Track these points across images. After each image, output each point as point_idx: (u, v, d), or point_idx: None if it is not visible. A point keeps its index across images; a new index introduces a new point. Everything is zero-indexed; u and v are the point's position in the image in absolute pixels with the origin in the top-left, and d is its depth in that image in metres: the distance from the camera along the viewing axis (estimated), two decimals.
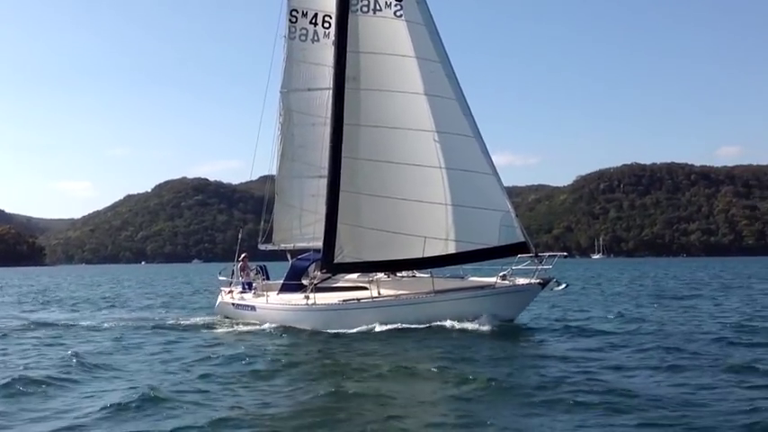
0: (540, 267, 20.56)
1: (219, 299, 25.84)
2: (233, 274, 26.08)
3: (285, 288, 22.88)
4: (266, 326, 21.52)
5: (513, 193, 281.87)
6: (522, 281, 20.55)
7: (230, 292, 25.31)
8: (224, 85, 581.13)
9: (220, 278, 27.23)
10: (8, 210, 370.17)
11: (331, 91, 21.92)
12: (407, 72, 20.75)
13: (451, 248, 20.68)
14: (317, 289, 21.34)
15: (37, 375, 13.29)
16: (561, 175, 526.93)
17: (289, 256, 24.80)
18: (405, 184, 20.74)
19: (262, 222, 25.46)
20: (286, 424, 9.72)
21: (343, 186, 21.10)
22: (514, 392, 11.34)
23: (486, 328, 19.25)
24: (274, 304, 22.21)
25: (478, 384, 11.86)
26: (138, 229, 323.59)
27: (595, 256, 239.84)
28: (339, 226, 21.17)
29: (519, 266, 20.93)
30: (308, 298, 21.13)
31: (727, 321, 22.14)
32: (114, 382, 13.06)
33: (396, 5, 20.90)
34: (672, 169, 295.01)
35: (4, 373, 13.48)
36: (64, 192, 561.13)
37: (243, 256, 25.77)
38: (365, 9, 20.98)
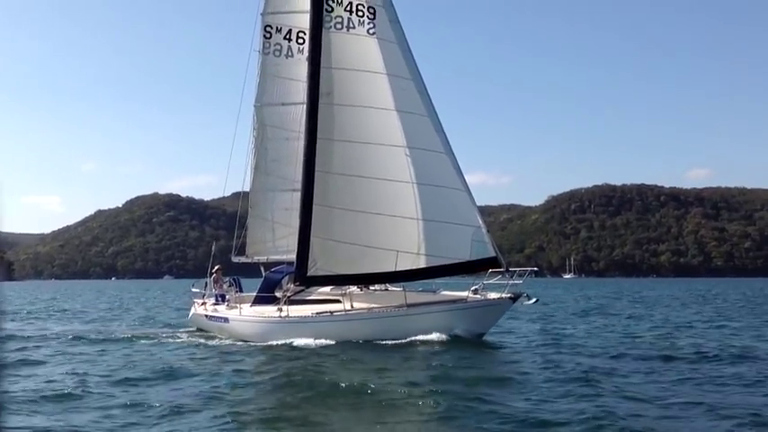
0: (510, 282, 20.87)
1: (193, 310, 25.90)
2: (206, 286, 26.16)
3: (258, 300, 22.99)
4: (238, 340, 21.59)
5: (485, 212, 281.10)
6: (493, 295, 20.83)
7: (203, 303, 25.36)
8: (195, 100, 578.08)
9: (193, 290, 27.29)
10: None
11: (305, 106, 22.19)
12: (380, 88, 21.06)
13: (423, 263, 20.91)
14: (291, 301, 21.46)
15: None
16: (533, 195, 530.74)
17: (262, 269, 24.94)
18: (377, 198, 20.98)
19: (235, 236, 25.56)
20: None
21: (317, 200, 21.30)
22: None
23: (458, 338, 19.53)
24: (247, 316, 22.28)
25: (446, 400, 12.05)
26: (109, 244, 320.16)
27: (567, 276, 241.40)
28: (312, 239, 21.34)
29: (490, 281, 21.24)
30: (281, 310, 21.25)
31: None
32: None
33: (369, 23, 21.24)
34: (642, 190, 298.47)
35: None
36: (33, 206, 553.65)
37: (216, 268, 25.90)
38: (339, 26, 21.29)
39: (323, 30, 21.40)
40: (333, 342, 19.82)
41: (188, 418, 10.48)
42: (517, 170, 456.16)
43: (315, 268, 21.41)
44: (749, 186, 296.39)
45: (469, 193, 21.45)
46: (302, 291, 22.03)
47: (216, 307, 24.63)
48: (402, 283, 21.38)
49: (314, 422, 10.28)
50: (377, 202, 20.99)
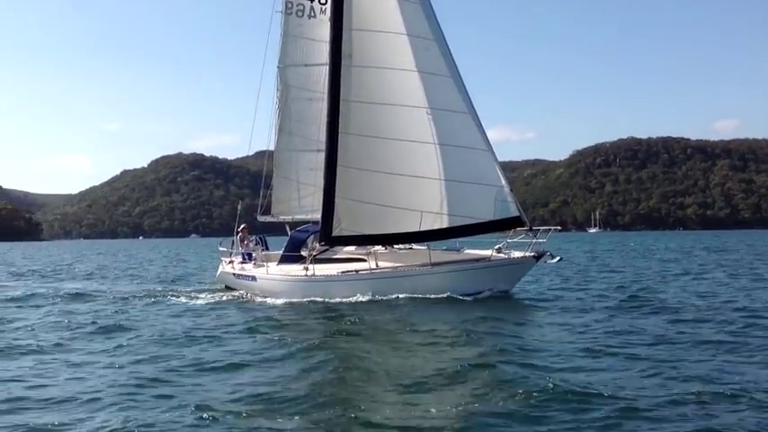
0: (534, 241, 21.06)
1: (220, 269, 26.36)
2: (233, 244, 26.59)
3: (285, 259, 23.37)
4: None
5: (509, 167, 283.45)
6: (516, 254, 21.05)
7: (231, 262, 25.80)
8: (218, 59, 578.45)
9: (221, 249, 27.74)
10: (5, 185, 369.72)
11: (327, 67, 22.29)
12: (402, 49, 21.09)
13: (447, 223, 21.16)
14: (316, 260, 21.82)
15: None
16: (557, 150, 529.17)
17: (287, 228, 25.24)
18: (400, 159, 21.15)
19: (261, 195, 25.83)
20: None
21: (341, 161, 21.52)
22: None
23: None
24: (274, 275, 22.68)
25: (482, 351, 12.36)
26: (135, 204, 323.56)
27: (592, 230, 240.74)
28: (337, 200, 21.62)
29: (514, 240, 21.46)
30: (307, 269, 21.63)
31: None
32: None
33: None
34: (668, 143, 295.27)
35: None
36: (61, 167, 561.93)
37: (242, 227, 26.33)
38: None
39: None
40: (358, 300, 20.18)
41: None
42: (542, 125, 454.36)
43: (339, 228, 21.73)
44: None
45: (492, 153, 21.55)
46: (327, 250, 22.38)
47: (243, 265, 25.04)
48: (426, 243, 21.64)
49: (346, 379, 10.58)
50: (400, 163, 21.16)
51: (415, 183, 21.11)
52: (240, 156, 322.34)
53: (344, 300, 20.28)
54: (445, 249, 22.43)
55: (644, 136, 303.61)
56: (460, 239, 22.53)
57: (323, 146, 22.30)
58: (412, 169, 21.13)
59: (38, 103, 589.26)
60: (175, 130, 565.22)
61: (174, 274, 37.15)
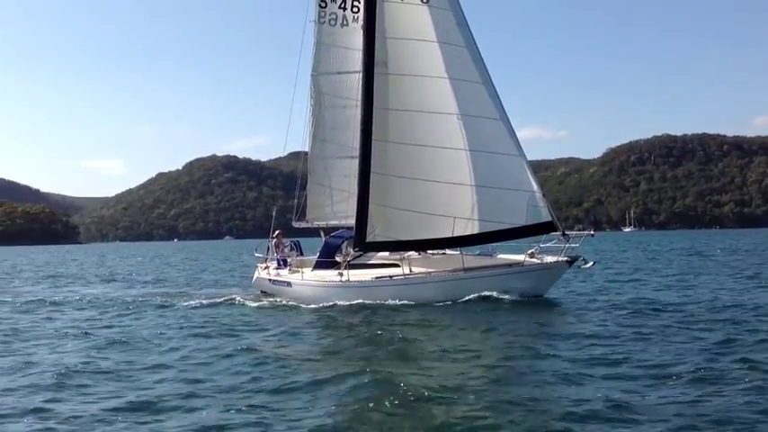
0: (567, 245, 21.15)
1: (256, 274, 26.72)
2: (268, 250, 26.94)
3: (319, 265, 23.66)
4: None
5: (542, 166, 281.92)
6: (549, 259, 21.16)
7: (266, 267, 26.15)
8: (251, 62, 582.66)
9: (256, 254, 28.12)
10: (43, 189, 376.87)
11: (360, 75, 22.58)
12: (434, 57, 21.31)
13: (480, 228, 21.32)
14: (350, 266, 22.11)
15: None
16: (591, 148, 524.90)
17: (322, 234, 25.52)
18: (433, 166, 21.37)
19: (295, 200, 26.14)
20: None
21: (374, 168, 21.79)
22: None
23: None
24: (309, 280, 23.01)
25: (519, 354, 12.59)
26: (170, 206, 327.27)
27: (627, 230, 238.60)
28: (370, 206, 21.89)
29: (547, 244, 21.57)
30: (341, 275, 21.92)
31: None
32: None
33: None
34: (704, 140, 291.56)
35: None
36: (97, 170, 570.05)
37: (277, 232, 26.64)
38: None
39: (377, 1, 21.66)
40: (392, 305, 20.41)
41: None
42: (574, 123, 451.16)
43: (373, 234, 21.99)
44: None
45: (525, 158, 21.70)
46: (361, 255, 22.66)
47: (279, 271, 25.37)
48: (459, 248, 21.83)
49: (382, 379, 10.85)
50: (433, 170, 21.38)
51: (448, 189, 21.31)
52: (273, 157, 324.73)
53: (379, 304, 20.52)
54: (478, 254, 22.58)
55: (679, 133, 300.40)
56: (493, 245, 22.65)
57: (356, 153, 22.59)
58: (445, 176, 21.33)
59: (74, 109, 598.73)
60: (209, 133, 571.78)
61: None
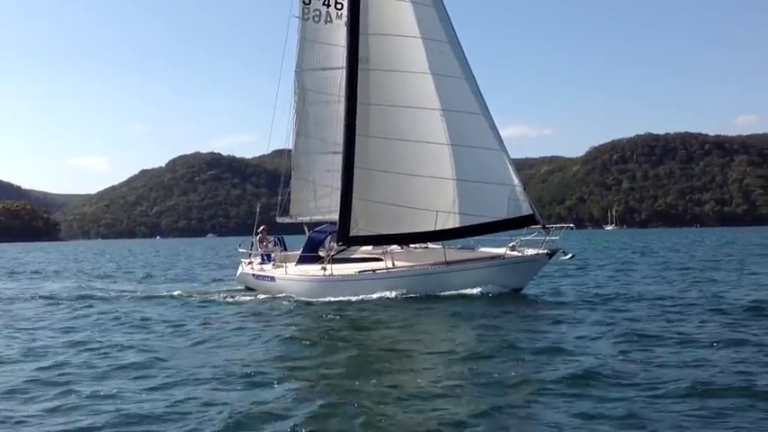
0: (547, 238, 21.47)
1: (240, 269, 26.91)
2: (252, 245, 27.14)
3: (303, 259, 23.87)
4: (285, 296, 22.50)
5: (526, 164, 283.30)
6: (530, 251, 21.47)
7: (250, 263, 26.34)
8: (234, 60, 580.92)
9: (240, 250, 28.32)
10: (24, 186, 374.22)
11: (344, 70, 22.80)
12: (416, 52, 21.55)
13: (462, 222, 21.58)
14: (334, 260, 22.33)
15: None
16: (574, 147, 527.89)
17: (305, 229, 25.73)
18: (415, 160, 21.62)
19: (279, 196, 26.36)
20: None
21: (358, 163, 22.00)
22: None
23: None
24: (293, 275, 23.21)
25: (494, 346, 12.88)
26: (153, 204, 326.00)
27: (608, 228, 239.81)
28: (354, 201, 22.11)
29: (527, 237, 21.89)
30: (325, 269, 22.15)
31: None
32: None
33: None
34: (686, 139, 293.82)
35: None
36: (80, 167, 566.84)
37: (262, 228, 26.86)
38: None
39: None
40: (375, 298, 20.66)
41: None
42: (559, 121, 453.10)
43: (357, 229, 22.22)
44: None
45: (506, 153, 21.97)
46: (345, 250, 22.89)
47: (262, 266, 25.57)
48: (441, 242, 22.10)
49: (355, 373, 11.06)
50: (415, 164, 21.63)
51: (430, 183, 21.57)
52: (257, 155, 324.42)
53: (362, 298, 20.74)
54: (460, 248, 22.86)
55: (661, 132, 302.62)
56: (475, 238, 22.95)
57: (340, 148, 22.78)
58: (427, 170, 21.58)
59: (57, 105, 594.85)
60: (193, 130, 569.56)
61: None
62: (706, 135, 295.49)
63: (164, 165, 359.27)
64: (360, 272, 21.83)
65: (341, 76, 23.26)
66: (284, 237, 27.59)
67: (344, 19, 23.57)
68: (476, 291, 20.68)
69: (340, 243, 22.76)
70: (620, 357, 11.66)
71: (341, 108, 22.86)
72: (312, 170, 25.35)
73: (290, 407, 9.04)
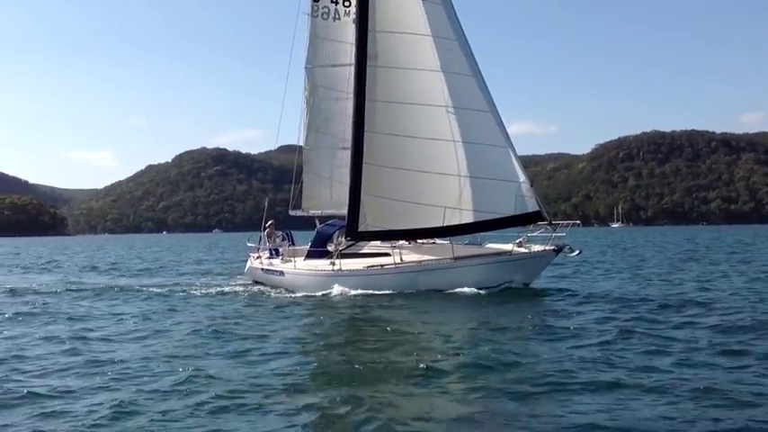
0: (554, 235, 21.66)
1: (249, 264, 27.18)
2: (260, 240, 27.40)
3: (311, 254, 24.10)
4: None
5: (532, 161, 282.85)
6: (537, 248, 21.67)
7: (259, 257, 26.60)
8: (240, 55, 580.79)
9: (249, 244, 28.59)
10: (32, 180, 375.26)
11: (353, 67, 23.03)
12: (424, 50, 21.74)
13: (469, 218, 21.75)
14: (342, 255, 22.56)
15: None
16: (580, 144, 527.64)
17: (317, 222, 25.92)
18: (424, 157, 21.81)
19: (291, 190, 26.57)
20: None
21: (366, 159, 22.22)
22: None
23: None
24: (302, 270, 23.44)
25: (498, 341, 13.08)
26: (159, 199, 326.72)
27: (614, 225, 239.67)
28: (363, 197, 22.31)
29: (534, 234, 22.08)
30: (333, 264, 22.38)
31: None
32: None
33: None
34: (692, 137, 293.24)
35: None
36: (86, 162, 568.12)
37: (270, 222, 27.16)
38: None
39: None
40: (384, 293, 20.86)
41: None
42: (565, 118, 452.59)
43: (365, 224, 22.41)
44: None
45: (513, 150, 22.15)
46: (353, 245, 23.12)
47: (271, 261, 25.79)
48: (449, 237, 22.31)
49: (363, 367, 11.30)
50: (424, 161, 21.84)
51: (438, 179, 21.77)
52: (263, 150, 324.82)
53: (371, 293, 20.94)
54: (467, 243, 23.05)
55: (668, 129, 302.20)
56: (482, 234, 23.14)
57: (349, 144, 22.98)
58: (435, 166, 21.79)
59: (63, 100, 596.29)
60: (199, 125, 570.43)
61: None
62: (713, 133, 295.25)
63: (170, 160, 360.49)
64: (368, 267, 22.06)
65: (350, 73, 23.47)
66: (292, 232, 27.86)
67: (353, 16, 23.84)
68: (483, 286, 20.88)
69: (348, 238, 22.98)
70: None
71: (350, 104, 23.07)
72: (323, 165, 25.62)
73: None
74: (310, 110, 25.47)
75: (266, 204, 29.13)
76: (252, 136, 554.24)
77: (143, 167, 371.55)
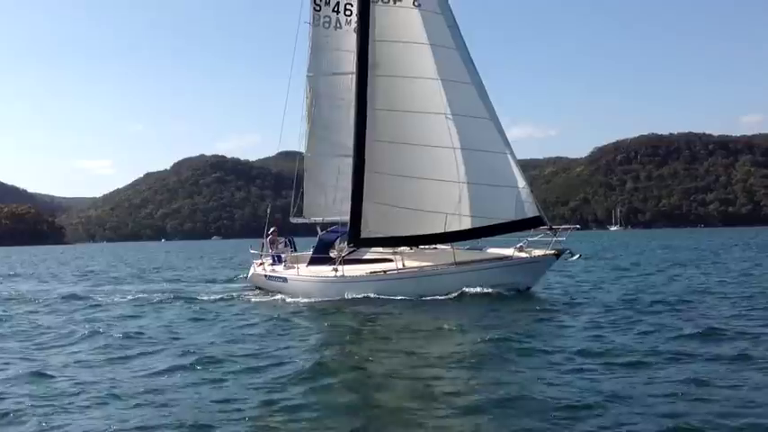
0: (554, 239, 21.92)
1: (252, 270, 27.40)
2: (263, 247, 27.63)
3: (314, 260, 24.30)
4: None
5: (531, 165, 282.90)
6: (537, 252, 21.92)
7: (261, 264, 26.81)
8: (239, 63, 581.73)
9: (252, 251, 28.82)
10: (30, 189, 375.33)
11: (353, 76, 23.31)
12: (425, 59, 22.05)
13: (471, 224, 22.04)
14: (344, 261, 22.79)
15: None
16: (579, 148, 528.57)
17: (318, 229, 26.12)
18: (425, 164, 22.10)
19: (293, 197, 26.77)
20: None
21: (368, 167, 22.49)
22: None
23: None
24: (305, 276, 23.67)
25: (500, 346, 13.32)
26: (158, 206, 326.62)
27: (613, 228, 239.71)
28: (364, 203, 22.58)
29: (534, 238, 22.34)
30: (336, 270, 22.61)
31: None
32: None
33: None
34: (689, 139, 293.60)
35: None
36: (85, 170, 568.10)
37: (272, 229, 27.42)
38: (386, 0, 22.26)
39: (370, 4, 22.40)
40: (386, 299, 21.04)
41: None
42: (563, 123, 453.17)
43: (367, 231, 22.68)
44: None
45: (513, 155, 22.43)
46: (355, 251, 23.36)
47: (274, 267, 26.01)
48: (450, 243, 22.55)
49: (368, 370, 11.55)
50: (425, 168, 22.12)
51: (439, 186, 22.04)
52: (261, 156, 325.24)
53: (374, 298, 21.15)
54: (468, 249, 23.29)
55: (665, 132, 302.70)
56: (483, 239, 23.37)
57: (350, 151, 23.27)
58: (436, 173, 22.06)
59: (62, 108, 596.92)
60: (197, 133, 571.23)
61: None
62: (710, 135, 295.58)
63: (168, 167, 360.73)
64: (371, 272, 22.29)
65: (351, 81, 23.78)
66: (295, 239, 28.09)
67: (354, 25, 24.16)
68: (485, 291, 21.13)
69: (350, 244, 23.22)
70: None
71: (352, 113, 23.35)
72: (324, 172, 25.86)
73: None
74: (311, 117, 25.75)
75: (268, 211, 29.39)
76: (251, 142, 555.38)
77: (141, 175, 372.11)
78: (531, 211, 22.02)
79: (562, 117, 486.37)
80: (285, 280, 24.56)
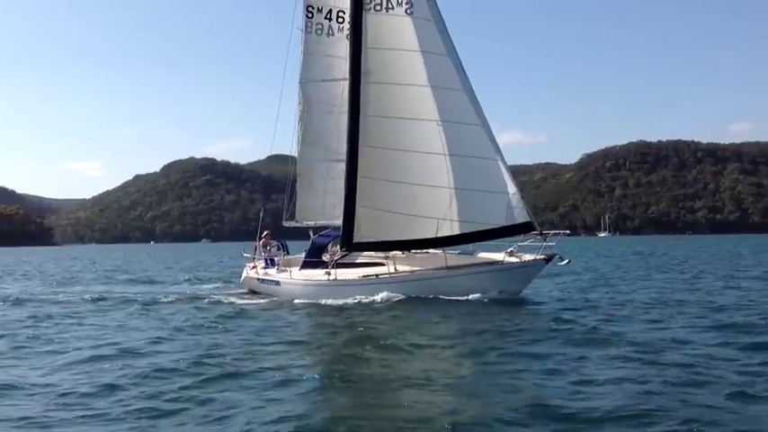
0: (544, 245, 22.23)
1: (245, 273, 27.58)
2: (256, 250, 27.82)
3: (307, 264, 24.52)
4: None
5: (520, 171, 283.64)
6: (527, 257, 22.23)
7: (254, 267, 27.00)
8: (229, 66, 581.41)
9: (245, 254, 29.00)
10: (19, 190, 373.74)
11: (345, 82, 23.61)
12: (416, 66, 22.33)
13: (462, 229, 22.27)
14: (337, 264, 23.06)
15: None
16: (568, 154, 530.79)
17: (311, 233, 26.36)
18: (417, 170, 22.36)
19: (285, 202, 26.98)
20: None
21: (361, 172, 22.75)
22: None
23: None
24: (298, 279, 23.91)
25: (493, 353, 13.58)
26: (147, 209, 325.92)
27: (601, 234, 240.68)
28: (357, 208, 22.83)
29: (524, 243, 22.63)
30: (329, 274, 22.86)
31: None
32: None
33: (407, 3, 22.42)
34: (678, 147, 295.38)
35: None
36: (75, 172, 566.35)
37: (266, 233, 27.61)
38: (378, 8, 22.56)
39: (362, 12, 22.67)
40: (378, 303, 21.28)
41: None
42: (553, 128, 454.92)
43: (360, 235, 22.92)
44: None
45: (503, 161, 22.73)
46: (348, 255, 23.62)
47: (266, 270, 26.20)
48: (442, 248, 22.83)
49: (359, 373, 11.79)
50: (416, 174, 22.38)
51: (431, 192, 22.30)
52: (251, 160, 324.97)
53: (366, 302, 21.38)
54: (459, 253, 23.55)
55: (654, 139, 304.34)
56: (474, 244, 23.63)
57: (343, 156, 23.53)
58: (427, 179, 22.33)
59: (52, 110, 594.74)
60: (187, 135, 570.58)
61: None
62: (698, 143, 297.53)
63: (158, 170, 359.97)
64: (363, 276, 22.57)
65: (343, 88, 24.08)
66: (287, 242, 28.29)
67: (346, 32, 24.44)
68: (476, 295, 21.41)
69: (343, 249, 23.47)
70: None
71: (343, 118, 23.65)
72: (316, 177, 26.10)
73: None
74: (303, 123, 26.01)
75: (261, 215, 29.62)
76: (241, 145, 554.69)
77: (131, 177, 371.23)
78: (521, 216, 22.31)
79: (552, 124, 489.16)
80: (278, 283, 24.76)
